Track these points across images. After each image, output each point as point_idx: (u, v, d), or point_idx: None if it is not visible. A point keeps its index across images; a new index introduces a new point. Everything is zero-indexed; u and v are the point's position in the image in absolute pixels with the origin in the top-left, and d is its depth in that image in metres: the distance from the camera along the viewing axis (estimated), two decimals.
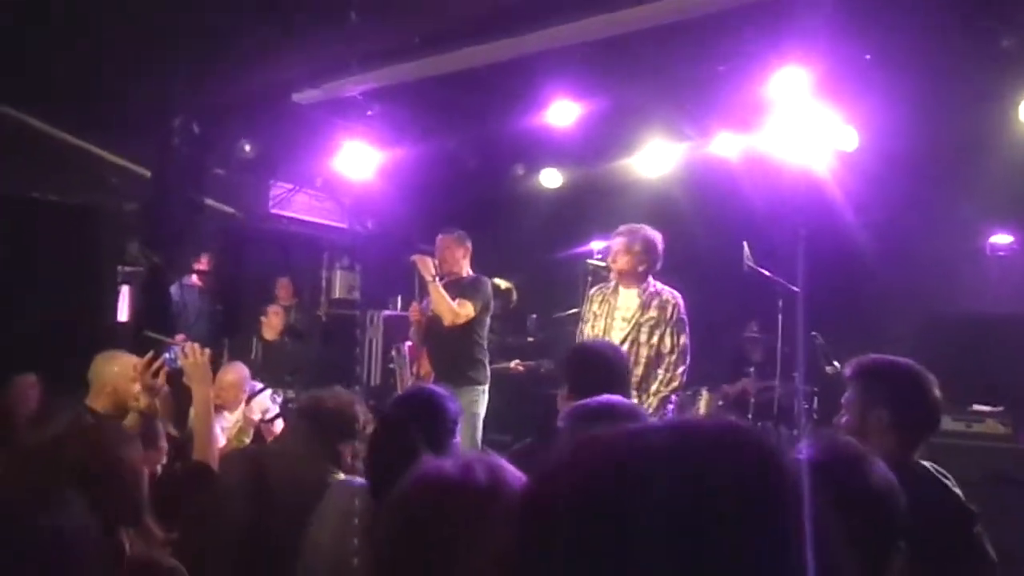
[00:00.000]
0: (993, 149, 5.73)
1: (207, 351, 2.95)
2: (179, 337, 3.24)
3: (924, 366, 2.51)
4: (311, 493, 2.58)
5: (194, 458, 2.82)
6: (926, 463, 2.40)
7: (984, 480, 4.50)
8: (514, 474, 1.27)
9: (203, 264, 7.35)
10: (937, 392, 2.41)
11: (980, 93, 5.55)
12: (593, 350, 3.46)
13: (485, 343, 5.24)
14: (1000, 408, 5.12)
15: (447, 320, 4.99)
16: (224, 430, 4.36)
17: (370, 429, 2.75)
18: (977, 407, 5.16)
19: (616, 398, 2.40)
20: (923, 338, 5.90)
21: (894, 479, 1.57)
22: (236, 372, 4.77)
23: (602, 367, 3.11)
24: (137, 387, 3.10)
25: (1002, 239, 6.13)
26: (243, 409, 4.57)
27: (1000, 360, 5.33)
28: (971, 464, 4.63)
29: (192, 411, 3.12)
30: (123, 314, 6.67)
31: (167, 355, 3.04)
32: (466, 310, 5.01)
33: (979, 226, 6.16)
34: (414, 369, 5.75)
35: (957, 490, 2.37)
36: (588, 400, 2.33)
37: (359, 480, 2.56)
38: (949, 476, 2.40)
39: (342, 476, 2.79)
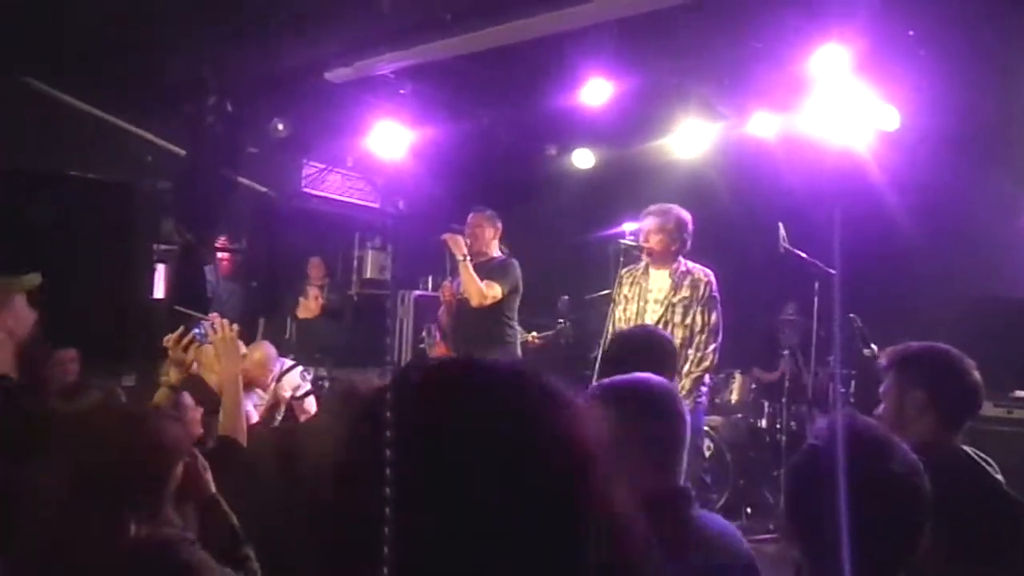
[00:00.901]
0: None
1: (235, 327, 2.95)
2: (212, 315, 3.24)
3: (964, 350, 2.46)
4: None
5: (221, 434, 2.82)
6: (967, 448, 2.34)
7: None
8: None
9: (224, 243, 7.40)
10: (976, 375, 2.36)
11: (1020, 65, 5.38)
12: (632, 334, 3.34)
13: (515, 324, 5.24)
14: None
15: (475, 301, 5.00)
16: (256, 407, 4.39)
17: None
18: (1019, 393, 5.05)
19: (644, 376, 2.21)
20: (963, 322, 5.77)
21: (917, 461, 1.52)
22: (263, 350, 4.79)
23: (642, 350, 2.96)
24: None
25: None
26: (274, 387, 4.60)
27: None
28: (1013, 451, 4.54)
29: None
30: (159, 291, 6.76)
31: (197, 331, 3.03)
32: (494, 291, 5.01)
33: (1021, 206, 6.00)
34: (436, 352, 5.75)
35: (999, 476, 2.31)
36: (611, 379, 2.17)
37: None
38: (992, 462, 2.34)
39: None
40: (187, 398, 2.89)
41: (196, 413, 2.96)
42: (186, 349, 2.96)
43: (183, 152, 6.55)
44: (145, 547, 1.80)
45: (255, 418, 4.08)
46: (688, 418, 1.97)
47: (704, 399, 4.43)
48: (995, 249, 5.89)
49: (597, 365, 4.22)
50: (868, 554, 1.33)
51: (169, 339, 3.02)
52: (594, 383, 4.08)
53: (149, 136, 6.62)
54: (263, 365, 4.63)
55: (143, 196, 6.27)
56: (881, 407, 2.45)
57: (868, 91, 5.50)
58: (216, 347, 2.94)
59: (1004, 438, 4.73)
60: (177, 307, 3.65)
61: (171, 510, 2.01)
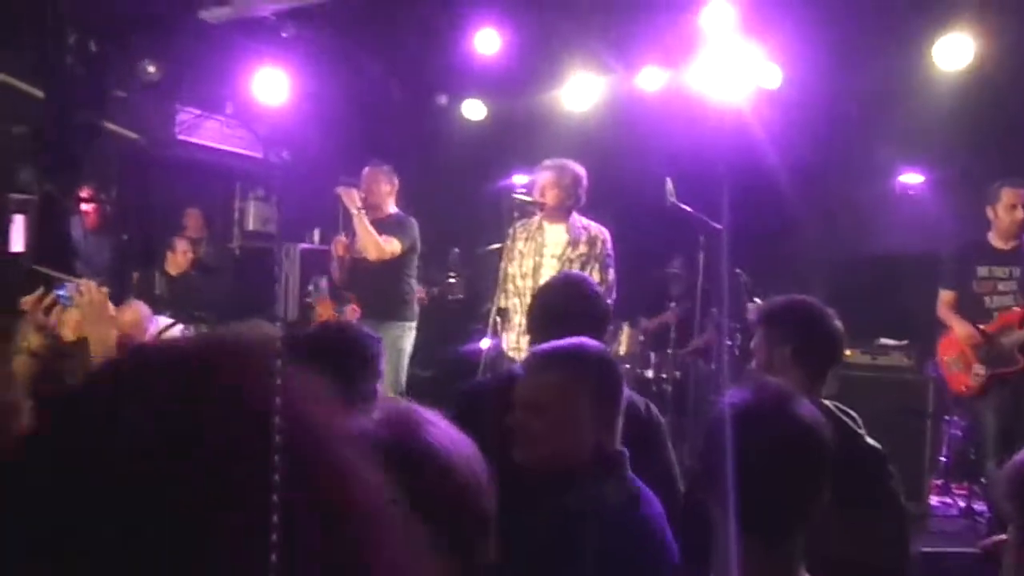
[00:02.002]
0: (908, 90, 5.86)
1: (104, 289, 2.71)
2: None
3: (837, 302, 2.62)
4: None
5: None
6: (827, 401, 2.43)
7: (889, 409, 4.72)
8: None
9: (91, 194, 6.92)
10: (837, 324, 2.50)
11: (896, 34, 5.64)
12: (554, 288, 3.05)
13: (413, 280, 5.17)
14: (905, 342, 5.35)
15: (372, 255, 4.89)
16: None
17: None
18: (884, 340, 5.38)
19: (587, 340, 2.12)
20: (834, 275, 6.09)
21: (820, 416, 1.58)
22: (135, 311, 4.52)
23: (566, 306, 2.71)
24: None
25: (912, 178, 6.32)
26: None
27: (906, 296, 5.55)
28: (877, 394, 4.85)
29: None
30: (18, 245, 6.27)
31: (60, 292, 2.78)
32: (392, 247, 4.92)
33: (891, 166, 6.34)
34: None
35: (862, 430, 2.42)
36: (555, 343, 2.09)
37: None
38: (854, 415, 2.45)
39: None
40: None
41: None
42: (48, 312, 2.73)
43: (40, 94, 6.04)
44: None
45: None
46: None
47: None
48: (866, 206, 6.22)
49: (501, 319, 4.22)
50: (776, 505, 1.38)
51: (27, 301, 2.78)
52: (507, 343, 4.04)
53: (2, 76, 6.06)
54: (137, 325, 4.36)
55: None
56: (753, 361, 2.58)
57: (753, 48, 5.64)
58: (83, 311, 2.70)
59: (869, 382, 5.04)
60: (36, 266, 3.32)
61: None
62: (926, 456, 4.96)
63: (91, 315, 2.65)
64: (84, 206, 6.94)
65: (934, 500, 5.12)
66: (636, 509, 1.86)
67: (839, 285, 5.87)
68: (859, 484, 2.16)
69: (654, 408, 2.63)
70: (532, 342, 2.69)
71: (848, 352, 5.55)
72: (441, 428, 1.23)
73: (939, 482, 5.23)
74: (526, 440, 1.90)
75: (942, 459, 5.29)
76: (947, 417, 5.26)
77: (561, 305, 2.68)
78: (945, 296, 4.68)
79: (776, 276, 5.71)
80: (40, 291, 2.76)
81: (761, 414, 1.44)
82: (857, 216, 6.33)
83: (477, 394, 2.64)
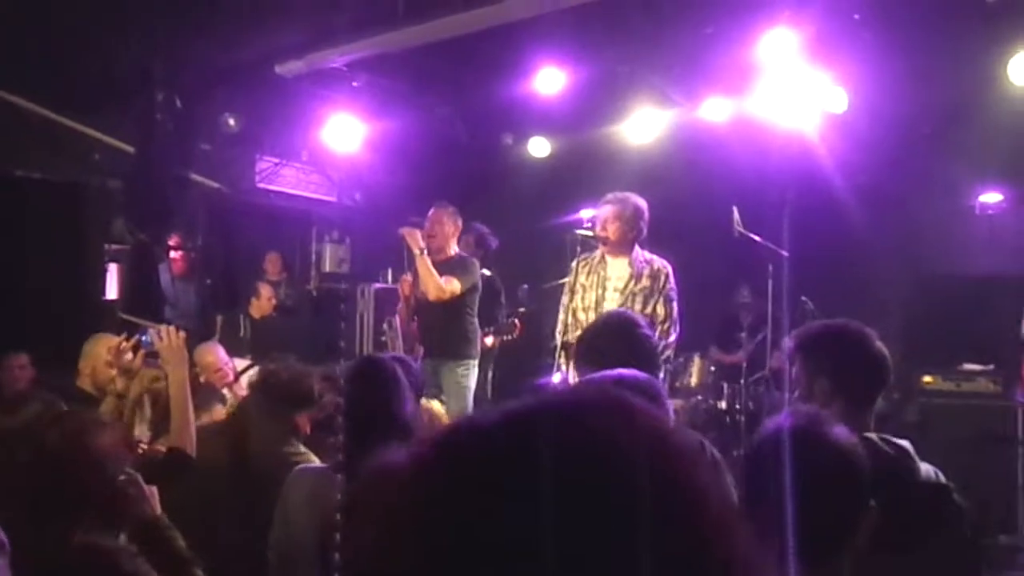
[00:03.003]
0: (982, 108, 5.71)
1: (183, 333, 2.87)
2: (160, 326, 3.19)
3: (913, 327, 2.46)
4: (269, 468, 2.71)
5: (171, 444, 2.74)
6: (872, 435, 2.21)
7: (974, 438, 4.54)
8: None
9: (178, 242, 7.28)
10: (878, 346, 2.30)
11: (969, 52, 5.51)
12: (596, 328, 3.18)
13: (475, 318, 5.23)
14: (990, 367, 5.15)
15: (432, 295, 4.97)
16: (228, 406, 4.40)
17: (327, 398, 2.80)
18: (968, 366, 5.19)
19: (630, 372, 2.17)
20: (912, 299, 5.92)
21: (855, 439, 1.56)
22: (212, 353, 4.72)
23: (620, 339, 2.79)
24: (113, 370, 3.12)
25: (991, 198, 6.12)
26: (234, 388, 4.56)
27: (989, 319, 5.35)
28: (962, 422, 4.68)
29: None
30: (112, 292, 6.63)
31: (143, 337, 2.96)
32: (452, 287, 4.99)
33: (968, 186, 6.15)
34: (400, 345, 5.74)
35: (916, 463, 2.21)
36: (597, 375, 2.17)
37: (318, 465, 2.60)
38: (904, 445, 2.22)
39: (301, 449, 2.90)
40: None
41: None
42: (133, 356, 2.92)
43: (132, 149, 6.43)
44: (85, 556, 1.77)
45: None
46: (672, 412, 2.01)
47: (664, 384, 4.49)
48: (942, 227, 6.05)
49: (566, 353, 4.26)
50: (812, 536, 1.36)
51: (111, 348, 2.97)
52: (573, 377, 4.08)
53: (96, 134, 6.47)
54: (213, 368, 4.58)
55: (92, 195, 6.14)
56: (796, 394, 2.38)
57: (816, 74, 5.59)
58: (163, 354, 2.87)
59: (954, 410, 4.87)
60: (123, 315, 3.56)
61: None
62: (1019, 486, 4.74)
63: (170, 358, 2.81)
64: (172, 253, 7.31)
65: None
66: None
67: (919, 310, 5.72)
68: (914, 522, 2.04)
69: (708, 445, 2.59)
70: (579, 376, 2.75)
71: (930, 379, 5.39)
72: None
73: None
74: None
75: None
76: None
77: (604, 345, 2.71)
78: None
79: (852, 302, 5.59)
80: (124, 336, 2.96)
81: (794, 440, 1.45)
82: (935, 238, 6.16)
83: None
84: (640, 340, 2.79)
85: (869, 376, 2.31)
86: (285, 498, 2.49)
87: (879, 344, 2.32)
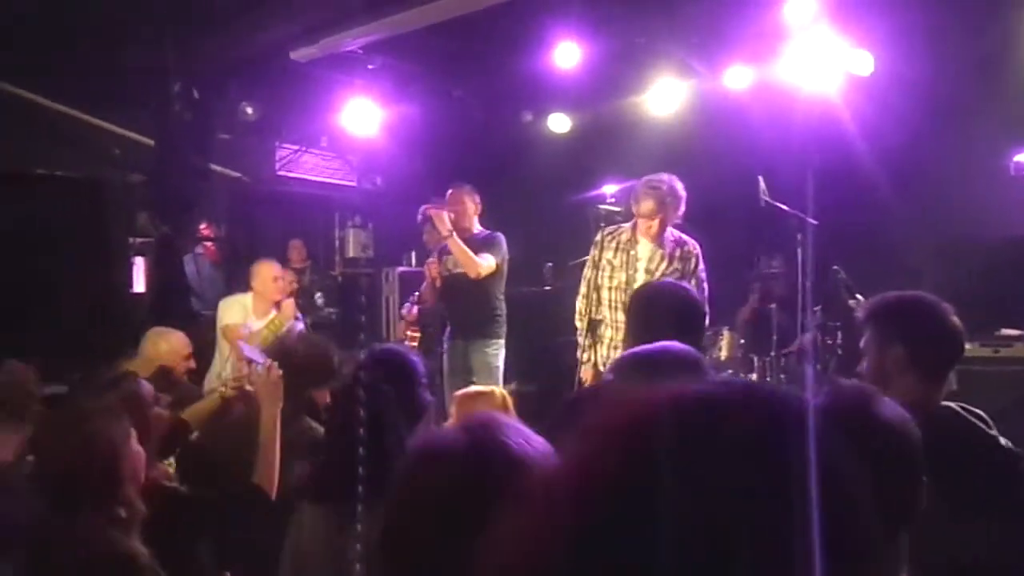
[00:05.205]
0: (1011, 65, 5.54)
1: (281, 372, 2.87)
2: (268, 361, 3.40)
3: (947, 293, 2.40)
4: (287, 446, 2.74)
5: (253, 482, 2.69)
6: (952, 403, 2.25)
7: (1015, 404, 4.44)
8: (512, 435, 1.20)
9: (207, 230, 7.32)
10: (954, 319, 2.27)
11: (995, 8, 5.35)
12: (658, 292, 3.13)
13: (503, 297, 5.22)
14: None
15: (471, 273, 4.96)
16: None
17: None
18: (1005, 331, 5.08)
19: (674, 344, 2.16)
20: (946, 264, 5.79)
21: (905, 413, 1.51)
22: (269, 267, 5.28)
23: (665, 310, 2.78)
24: (188, 364, 3.81)
25: None
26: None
27: None
28: (1001, 389, 4.58)
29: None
30: (139, 285, 6.68)
31: (258, 361, 3.08)
32: (488, 263, 4.98)
33: (1001, 146, 5.98)
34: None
35: (993, 431, 2.21)
36: (642, 347, 2.16)
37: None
38: (982, 414, 2.24)
39: (313, 425, 2.95)
40: (145, 388, 2.81)
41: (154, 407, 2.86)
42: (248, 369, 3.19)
43: (152, 143, 6.44)
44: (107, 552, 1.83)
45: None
46: None
47: None
48: (974, 189, 5.88)
49: (591, 330, 4.22)
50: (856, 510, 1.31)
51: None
52: (622, 350, 4.07)
53: (115, 128, 6.49)
54: (270, 278, 5.20)
55: (114, 190, 6.16)
56: (864, 364, 2.37)
57: (840, 38, 5.45)
58: (259, 390, 2.90)
59: (992, 377, 4.77)
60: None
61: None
62: None
63: (265, 393, 2.84)
64: (206, 243, 7.36)
65: None
66: None
67: (952, 275, 5.59)
68: (993, 488, 2.05)
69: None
70: (626, 348, 2.74)
71: (968, 346, 5.27)
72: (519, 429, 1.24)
73: None
74: None
75: None
76: None
77: (656, 315, 2.71)
78: None
79: (883, 269, 5.48)
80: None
81: (841, 415, 1.39)
82: (967, 201, 5.99)
83: (575, 402, 2.67)
84: (691, 310, 2.81)
85: (944, 347, 2.26)
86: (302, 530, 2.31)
87: (954, 317, 2.27)
